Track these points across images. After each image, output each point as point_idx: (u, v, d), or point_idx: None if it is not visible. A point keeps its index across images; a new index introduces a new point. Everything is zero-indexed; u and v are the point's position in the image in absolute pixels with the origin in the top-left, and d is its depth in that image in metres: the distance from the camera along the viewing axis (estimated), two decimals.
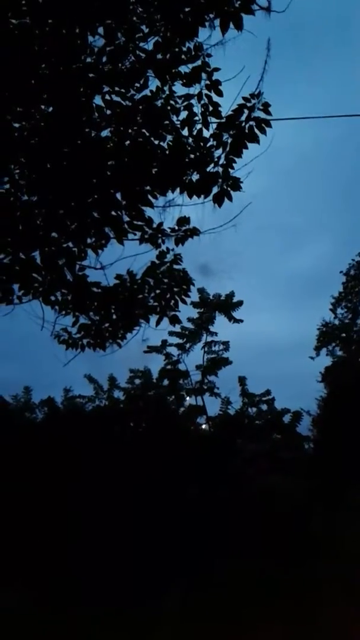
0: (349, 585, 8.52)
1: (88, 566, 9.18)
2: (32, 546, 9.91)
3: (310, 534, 10.50)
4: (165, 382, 16.98)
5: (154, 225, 6.51)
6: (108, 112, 5.81)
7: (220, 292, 16.85)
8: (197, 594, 8.79)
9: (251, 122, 5.73)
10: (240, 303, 16.74)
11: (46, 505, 10.74)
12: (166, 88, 5.84)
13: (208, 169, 6.02)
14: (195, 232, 6.66)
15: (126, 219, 6.26)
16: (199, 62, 5.71)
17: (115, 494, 10.94)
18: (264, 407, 16.33)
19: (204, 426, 16.48)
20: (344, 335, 19.31)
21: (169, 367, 17.07)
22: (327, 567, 9.34)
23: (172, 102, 5.92)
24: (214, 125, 5.94)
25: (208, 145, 5.97)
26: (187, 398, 16.90)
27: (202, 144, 5.98)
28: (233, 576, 9.21)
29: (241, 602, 8.35)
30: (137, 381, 16.86)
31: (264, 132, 5.75)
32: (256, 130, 5.76)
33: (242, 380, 16.59)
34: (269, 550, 9.76)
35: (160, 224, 6.53)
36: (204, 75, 5.76)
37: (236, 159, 5.94)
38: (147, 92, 5.84)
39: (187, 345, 17.11)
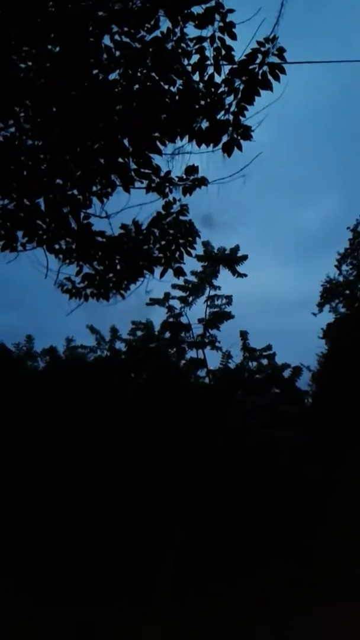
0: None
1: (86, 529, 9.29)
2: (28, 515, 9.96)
3: (308, 489, 10.64)
4: (167, 334, 17.05)
5: (162, 174, 6.36)
6: (117, 53, 5.61)
7: (223, 244, 16.73)
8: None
9: (264, 68, 5.54)
10: (244, 257, 16.64)
11: (45, 460, 10.85)
12: (177, 30, 5.62)
13: (218, 116, 5.85)
14: (203, 182, 6.52)
15: (133, 166, 6.13)
16: (212, 3, 5.46)
17: (115, 448, 11.07)
18: (265, 361, 16.47)
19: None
20: (347, 292, 19.19)
21: (171, 319, 17.12)
22: (326, 520, 9.48)
23: (183, 44, 5.70)
24: (226, 71, 5.73)
25: (219, 91, 5.78)
26: (188, 351, 17.01)
27: (213, 89, 5.79)
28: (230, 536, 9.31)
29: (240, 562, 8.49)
30: (139, 333, 16.93)
31: (277, 78, 5.56)
32: (269, 77, 5.57)
33: (243, 335, 16.67)
34: (267, 505, 9.89)
35: (168, 172, 6.37)
36: (217, 17, 5.51)
37: (248, 107, 5.77)
38: (157, 33, 5.63)
39: (190, 299, 17.11)
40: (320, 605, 7.02)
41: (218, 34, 5.59)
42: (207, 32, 5.61)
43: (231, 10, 5.49)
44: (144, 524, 9.31)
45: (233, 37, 5.57)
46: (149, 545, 8.85)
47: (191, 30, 5.65)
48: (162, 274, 7.13)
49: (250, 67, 5.58)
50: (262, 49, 5.49)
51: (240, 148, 5.93)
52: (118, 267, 7.13)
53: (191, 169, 6.44)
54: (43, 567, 8.58)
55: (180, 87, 5.79)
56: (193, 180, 6.53)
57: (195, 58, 5.73)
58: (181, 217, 6.98)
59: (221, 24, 5.53)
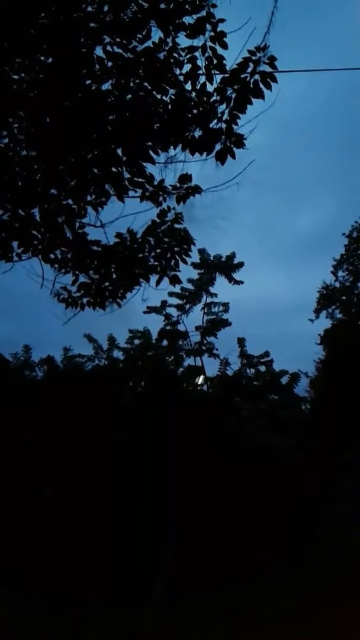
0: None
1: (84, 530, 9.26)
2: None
3: (305, 495, 10.62)
4: (165, 342, 17.05)
5: (155, 183, 6.37)
6: (109, 64, 5.64)
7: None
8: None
9: (256, 77, 5.56)
10: (241, 264, 16.69)
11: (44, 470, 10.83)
12: (169, 40, 5.64)
13: (211, 125, 5.87)
14: (197, 190, 6.53)
15: (127, 175, 6.14)
16: (203, 13, 5.49)
17: (114, 454, 11.06)
18: (263, 368, 16.46)
19: (203, 387, 16.60)
20: (344, 298, 19.26)
21: (168, 327, 17.12)
22: (323, 528, 9.46)
23: (175, 54, 5.71)
24: (218, 79, 5.76)
25: (211, 100, 5.81)
26: (186, 358, 16.99)
27: (205, 98, 5.81)
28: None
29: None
30: (137, 341, 16.92)
31: (269, 87, 5.59)
32: (261, 85, 5.60)
33: (241, 342, 16.66)
34: (264, 511, 9.85)
35: (162, 181, 6.38)
36: (208, 27, 5.54)
37: (240, 115, 5.79)
38: (149, 43, 5.65)
39: (187, 306, 17.13)
40: (319, 611, 7.00)
41: (209, 43, 5.62)
42: (198, 42, 5.65)
43: (222, 20, 5.53)
44: (141, 526, 9.29)
45: (224, 46, 5.61)
46: (145, 548, 8.82)
47: (183, 40, 5.69)
48: (157, 282, 7.13)
49: (242, 75, 5.60)
50: (254, 57, 5.51)
51: (233, 156, 5.95)
52: (114, 275, 7.13)
53: (184, 178, 6.45)
54: (43, 572, 8.58)
55: (173, 97, 5.81)
56: (187, 189, 6.54)
57: (187, 67, 5.76)
58: (176, 225, 7.00)
59: (212, 33, 5.57)
